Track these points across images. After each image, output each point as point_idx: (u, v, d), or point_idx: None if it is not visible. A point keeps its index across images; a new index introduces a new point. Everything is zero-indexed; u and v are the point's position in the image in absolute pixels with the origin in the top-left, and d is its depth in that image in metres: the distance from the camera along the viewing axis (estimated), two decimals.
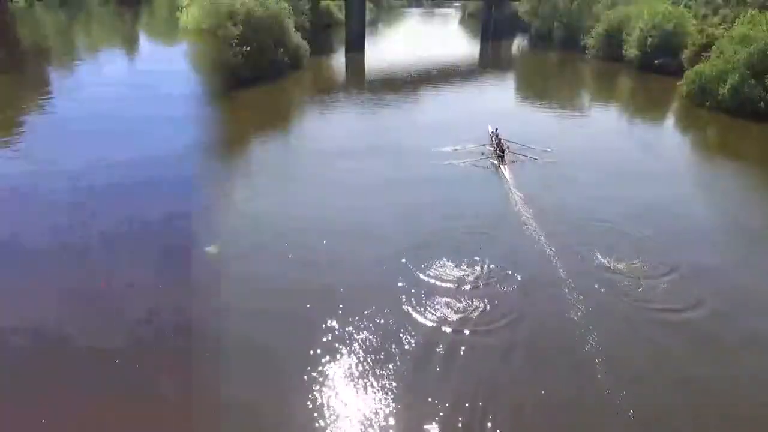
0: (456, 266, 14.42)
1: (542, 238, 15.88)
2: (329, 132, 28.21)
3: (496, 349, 12.01)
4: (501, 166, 21.24)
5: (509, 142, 22.95)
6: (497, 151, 21.96)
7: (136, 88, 33.51)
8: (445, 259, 14.64)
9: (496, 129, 23.52)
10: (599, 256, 15.16)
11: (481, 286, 13.82)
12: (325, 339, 12.04)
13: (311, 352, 11.62)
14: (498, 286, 13.87)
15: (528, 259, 15.08)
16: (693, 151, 28.63)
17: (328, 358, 11.53)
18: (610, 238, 16.25)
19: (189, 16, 38.81)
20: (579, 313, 12.89)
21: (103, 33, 62.78)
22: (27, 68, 41.39)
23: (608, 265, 14.86)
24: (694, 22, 45.23)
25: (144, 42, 58.43)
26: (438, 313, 12.83)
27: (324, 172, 21.42)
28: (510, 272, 14.29)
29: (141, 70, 40.97)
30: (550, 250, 15.32)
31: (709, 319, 13.10)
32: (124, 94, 31.52)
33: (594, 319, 12.71)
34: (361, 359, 11.53)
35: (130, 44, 54.04)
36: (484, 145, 23.31)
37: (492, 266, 14.46)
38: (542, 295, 13.69)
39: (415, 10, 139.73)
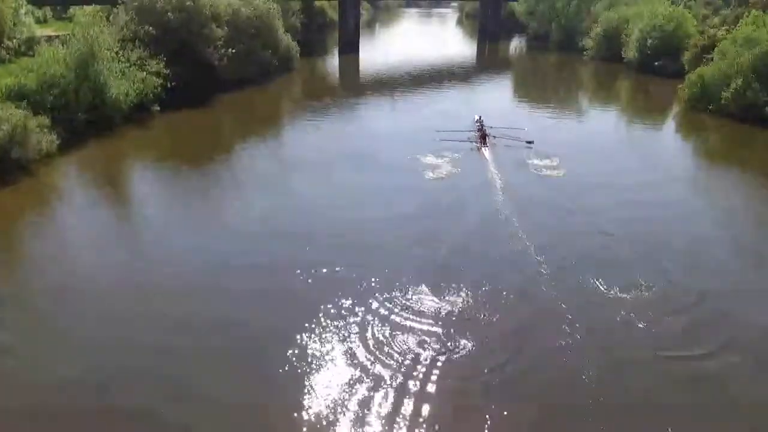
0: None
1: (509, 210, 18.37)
2: (305, 141, 26.96)
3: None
4: (482, 148, 24.48)
5: (491, 128, 26.11)
6: (480, 136, 25.26)
7: None
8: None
9: (480, 117, 27.11)
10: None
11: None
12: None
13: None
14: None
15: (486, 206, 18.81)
16: (695, 158, 27.34)
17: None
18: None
19: None
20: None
21: None
22: None
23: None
24: (695, 23, 44.02)
25: None
26: None
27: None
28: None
29: None
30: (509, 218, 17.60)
31: (721, 369, 11.54)
32: None
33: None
34: None
35: None
36: (470, 131, 26.14)
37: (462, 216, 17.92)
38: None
39: (412, 11, 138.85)
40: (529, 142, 24.52)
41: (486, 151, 24.11)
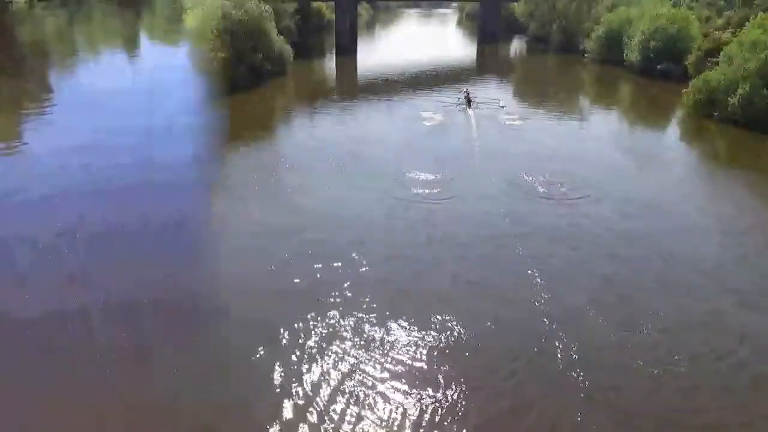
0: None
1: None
2: (292, 148, 26.02)
3: None
4: (468, 110, 32.09)
5: (475, 97, 33.98)
6: (467, 103, 33.26)
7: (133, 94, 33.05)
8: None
9: (467, 89, 35.06)
10: None
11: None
12: None
13: None
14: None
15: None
16: (699, 167, 26.06)
17: None
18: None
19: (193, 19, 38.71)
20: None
21: (103, 34, 64.14)
22: (26, 70, 41.77)
23: None
24: (698, 24, 42.86)
25: (145, 44, 58.96)
26: None
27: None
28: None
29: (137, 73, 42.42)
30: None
31: None
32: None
33: None
34: None
35: (130, 46, 55.01)
36: (458, 98, 34.04)
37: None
38: None
39: (412, 11, 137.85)
40: (501, 106, 32.66)
41: (471, 112, 31.57)
